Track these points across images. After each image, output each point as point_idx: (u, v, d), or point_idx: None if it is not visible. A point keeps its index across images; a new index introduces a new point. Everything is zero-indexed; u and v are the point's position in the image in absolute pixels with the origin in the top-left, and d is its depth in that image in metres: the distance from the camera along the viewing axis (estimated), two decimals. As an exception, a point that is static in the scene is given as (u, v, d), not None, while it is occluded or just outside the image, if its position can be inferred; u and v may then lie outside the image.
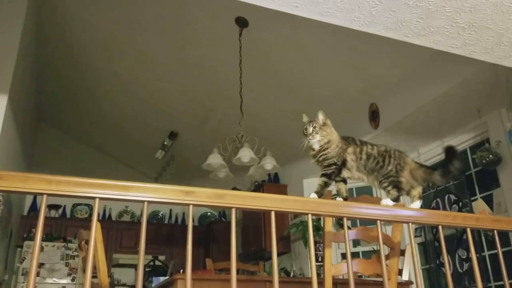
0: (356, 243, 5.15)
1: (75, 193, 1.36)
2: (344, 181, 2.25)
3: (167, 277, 3.02)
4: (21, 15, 3.97)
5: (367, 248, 5.07)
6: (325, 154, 2.17)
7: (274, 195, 1.60)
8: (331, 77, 4.52)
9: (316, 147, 2.20)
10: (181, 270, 3.60)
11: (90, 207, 7.54)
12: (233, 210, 1.52)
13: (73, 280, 6.24)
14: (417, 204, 2.19)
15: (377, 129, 4.54)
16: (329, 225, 2.14)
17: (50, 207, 7.10)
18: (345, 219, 1.68)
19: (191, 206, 1.48)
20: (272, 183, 6.41)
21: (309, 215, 1.61)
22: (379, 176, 2.19)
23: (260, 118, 5.37)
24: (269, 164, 4.11)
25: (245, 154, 3.93)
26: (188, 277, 1.37)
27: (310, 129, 2.20)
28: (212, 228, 7.59)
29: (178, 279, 2.36)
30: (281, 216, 5.65)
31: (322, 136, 2.19)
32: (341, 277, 2.58)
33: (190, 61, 4.92)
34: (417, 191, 2.22)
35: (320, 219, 4.60)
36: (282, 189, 6.26)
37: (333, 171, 2.15)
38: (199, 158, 4.84)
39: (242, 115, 4.16)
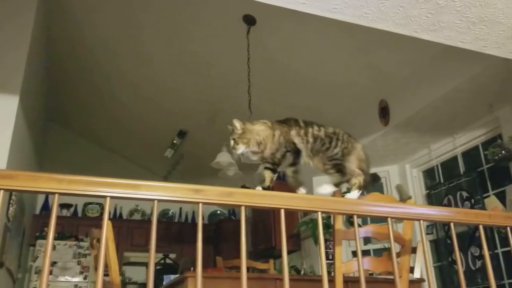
0: (366, 240, 5.13)
1: (86, 192, 1.37)
2: (273, 170, 2.11)
3: (177, 275, 3.04)
4: (30, 17, 4.01)
5: (378, 246, 5.04)
6: (271, 153, 2.08)
7: (283, 193, 1.60)
8: (340, 74, 4.50)
9: (254, 158, 2.12)
10: (192, 268, 3.62)
11: (101, 206, 7.59)
12: (242, 208, 1.52)
13: (85, 278, 6.29)
14: (355, 194, 2.09)
15: (387, 126, 4.51)
16: (339, 223, 2.13)
17: (62, 206, 7.17)
18: (355, 217, 1.67)
19: (200, 204, 1.48)
20: (281, 181, 6.40)
21: (319, 213, 1.61)
22: (324, 158, 2.10)
23: (269, 116, 5.32)
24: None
25: (254, 152, 3.92)
26: (198, 275, 1.38)
27: (231, 142, 2.11)
28: (221, 226, 7.61)
29: (189, 277, 2.37)
30: (291, 214, 5.64)
31: (245, 144, 2.08)
32: (352, 274, 2.57)
33: (198, 60, 4.92)
34: (358, 180, 2.13)
35: (329, 216, 4.59)
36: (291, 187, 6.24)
37: (292, 157, 2.09)
38: (208, 156, 4.85)
39: (250, 113, 4.16)
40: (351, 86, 4.62)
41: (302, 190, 2.09)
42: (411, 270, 2.74)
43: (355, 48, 4.10)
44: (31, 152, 5.25)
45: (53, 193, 1.34)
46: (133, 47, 5.03)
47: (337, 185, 2.03)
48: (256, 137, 2.09)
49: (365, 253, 4.96)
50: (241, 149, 2.08)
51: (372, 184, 2.22)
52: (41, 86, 5.49)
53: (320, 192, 1.98)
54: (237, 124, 2.12)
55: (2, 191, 1.30)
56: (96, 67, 5.73)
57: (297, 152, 2.10)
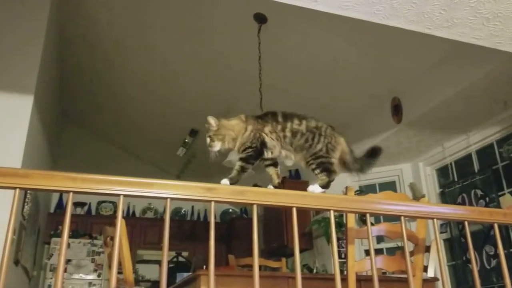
0: (379, 239, 5.10)
1: (100, 190, 1.38)
2: (274, 164, 2.07)
3: (190, 273, 3.05)
4: (44, 18, 4.05)
5: (391, 245, 5.01)
6: (239, 148, 2.03)
7: (295, 191, 1.59)
8: (352, 71, 4.47)
9: (220, 150, 2.07)
10: (204, 266, 3.63)
11: (115, 204, 7.66)
12: (254, 207, 1.52)
13: (99, 276, 6.35)
14: (318, 188, 1.98)
15: (400, 123, 4.48)
16: (351, 222, 2.12)
17: (76, 204, 7.24)
18: (368, 215, 1.67)
19: (213, 202, 1.49)
20: (293, 180, 6.39)
21: (331, 211, 1.60)
22: (307, 156, 1.98)
23: (280, 114, 5.35)
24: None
25: (266, 151, 3.92)
26: (211, 273, 1.38)
27: (208, 140, 2.07)
28: (233, 224, 7.62)
29: (202, 275, 2.38)
30: (303, 212, 5.63)
31: (221, 141, 2.04)
32: (364, 273, 2.56)
33: (209, 58, 4.93)
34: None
35: (342, 215, 4.57)
36: (303, 186, 6.22)
37: (250, 154, 1.98)
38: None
39: (262, 111, 4.15)
40: (364, 83, 4.59)
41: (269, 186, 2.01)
42: (425, 269, 2.72)
43: (367, 45, 4.07)
44: (45, 151, 5.31)
45: (68, 192, 1.36)
46: (145, 46, 5.06)
47: (325, 186, 1.91)
48: (231, 133, 2.04)
49: (378, 251, 4.94)
50: (217, 146, 2.03)
51: (371, 162, 2.06)
52: (55, 85, 5.55)
53: (310, 190, 1.90)
54: (212, 121, 2.07)
55: (17, 189, 1.32)
56: (109, 66, 5.77)
57: (260, 152, 2.00)
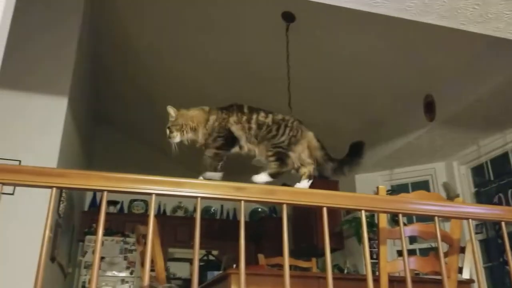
0: (412, 240, 5.01)
1: (133, 189, 1.41)
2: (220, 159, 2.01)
3: (220, 272, 3.07)
4: (77, 21, 4.15)
5: (425, 245, 4.91)
6: (205, 140, 2.00)
7: (325, 191, 1.58)
8: (383, 69, 4.41)
9: (197, 146, 2.03)
10: (234, 265, 3.65)
11: (146, 203, 7.79)
12: (284, 206, 1.52)
13: (131, 273, 6.47)
14: (305, 183, 1.97)
15: (433, 121, 4.39)
16: (383, 222, 2.09)
17: (109, 203, 7.40)
18: (400, 216, 1.64)
19: (242, 202, 1.50)
20: (323, 179, 6.34)
21: (362, 212, 1.58)
22: (268, 145, 1.96)
23: (309, 113, 5.30)
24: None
25: (295, 150, 3.91)
26: (242, 272, 1.39)
27: (167, 131, 2.03)
28: (263, 223, 7.63)
29: (232, 273, 2.39)
30: (333, 211, 5.59)
31: (180, 132, 2.01)
32: (397, 274, 2.52)
33: (237, 57, 4.95)
34: (308, 169, 2.00)
35: (373, 215, 4.51)
36: (333, 185, 6.17)
37: (222, 142, 1.97)
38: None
39: (290, 111, 4.14)
40: (395, 81, 4.52)
41: (215, 175, 1.96)
42: (460, 270, 2.65)
43: (398, 42, 4.00)
44: (79, 151, 5.45)
45: (102, 190, 1.39)
46: (175, 46, 5.12)
47: (274, 175, 1.89)
48: (190, 123, 2.00)
49: (411, 252, 4.85)
50: (177, 137, 2.00)
51: (358, 158, 2.02)
52: (88, 87, 5.68)
53: (255, 180, 1.86)
54: (171, 111, 2.04)
55: (54, 188, 1.36)
56: (140, 67, 5.87)
57: (231, 140, 1.98)
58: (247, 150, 2.01)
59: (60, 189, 1.51)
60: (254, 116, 2.01)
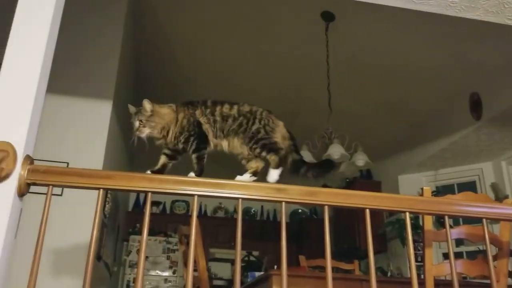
0: (459, 242, 4.85)
1: (176, 190, 1.44)
2: (171, 157, 1.94)
3: (262, 273, 3.08)
4: (120, 27, 4.28)
5: (472, 248, 4.75)
6: (175, 138, 1.91)
7: (367, 193, 1.56)
8: (426, 66, 4.29)
9: (157, 142, 1.94)
10: (275, 266, 3.65)
11: (187, 203, 7.92)
12: (326, 208, 1.51)
13: (174, 273, 6.58)
14: (247, 177, 1.85)
15: (480, 120, 4.23)
16: (428, 224, 2.03)
17: (152, 203, 7.48)
18: (446, 218, 1.59)
19: (283, 203, 1.50)
20: (365, 180, 6.25)
21: (407, 214, 1.55)
22: (247, 141, 1.85)
23: (349, 113, 5.26)
24: (360, 160, 4.01)
25: (335, 151, 3.87)
26: (283, 274, 1.39)
27: (136, 124, 1.90)
28: (303, 225, 7.59)
29: (274, 275, 2.40)
30: (375, 213, 5.48)
31: (151, 128, 1.90)
32: (443, 278, 2.44)
33: (276, 58, 4.95)
34: (256, 165, 1.88)
35: (418, 217, 4.40)
36: (375, 186, 6.07)
37: (196, 142, 1.88)
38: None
39: (330, 111, 4.10)
40: (439, 79, 4.39)
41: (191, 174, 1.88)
42: (510, 274, 2.55)
43: (441, 38, 3.89)
44: (122, 152, 5.60)
45: (146, 192, 1.42)
46: (212, 48, 5.17)
47: (277, 165, 1.80)
48: (162, 121, 1.92)
49: (458, 255, 4.70)
50: (145, 132, 1.90)
51: (325, 172, 1.94)
52: (130, 90, 5.84)
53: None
54: (148, 105, 1.92)
55: (101, 190, 1.40)
56: (180, 70, 5.97)
57: (202, 137, 1.90)
58: (212, 146, 1.95)
59: (106, 190, 1.57)
60: (218, 108, 1.93)
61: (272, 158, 1.82)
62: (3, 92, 1.45)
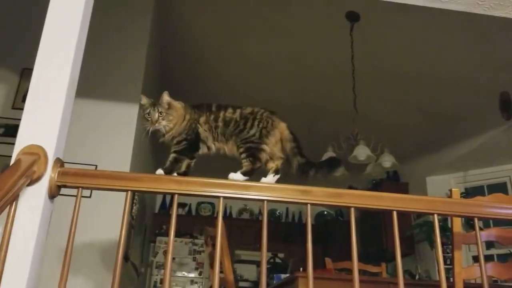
0: (489, 245, 4.73)
1: (202, 192, 1.46)
2: (192, 157, 1.93)
3: (287, 275, 3.07)
4: (146, 32, 4.34)
5: (503, 251, 4.63)
6: (173, 136, 1.90)
7: (394, 194, 1.54)
8: (455, 66, 4.21)
9: (163, 131, 1.90)
10: (301, 268, 3.64)
11: (213, 205, 7.97)
12: (352, 210, 1.49)
13: (200, 274, 6.62)
14: (271, 178, 1.81)
15: (510, 120, 4.12)
16: (457, 226, 1.99)
17: (178, 205, 7.58)
18: (476, 220, 1.56)
19: (308, 205, 1.49)
20: (391, 181, 6.16)
21: (435, 216, 1.52)
22: (238, 141, 1.84)
23: (375, 114, 5.20)
24: (387, 161, 3.96)
25: (361, 152, 3.83)
26: (309, 276, 1.38)
27: (156, 115, 1.87)
28: (329, 227, 7.54)
29: (300, 277, 2.39)
30: (403, 215, 5.40)
31: (168, 121, 1.87)
32: (473, 281, 2.39)
33: (300, 60, 4.93)
34: (276, 163, 1.85)
35: (446, 219, 4.31)
36: (402, 188, 5.98)
37: (184, 147, 1.87)
38: (312, 157, 4.84)
39: (356, 112, 4.07)
40: (468, 78, 4.30)
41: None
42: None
43: (470, 38, 3.81)
44: (149, 155, 5.68)
45: (173, 193, 1.44)
46: (239, 52, 5.19)
47: (247, 173, 1.77)
48: (176, 116, 1.91)
49: (488, 258, 4.58)
50: (162, 125, 1.87)
51: (333, 170, 1.92)
52: (155, 92, 5.91)
53: (231, 177, 1.75)
54: (168, 98, 1.92)
55: (129, 191, 1.43)
56: (206, 72, 6.02)
57: (193, 146, 1.90)
58: (215, 149, 1.94)
59: (134, 192, 1.59)
60: (221, 114, 1.92)
61: (247, 163, 1.80)
62: (34, 97, 1.49)
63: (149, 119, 1.87)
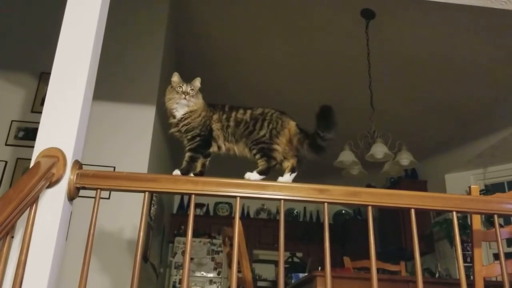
0: (510, 242, 4.65)
1: (219, 192, 1.46)
2: (207, 155, 1.93)
3: (306, 274, 3.06)
4: (161, 36, 4.38)
5: (525, 249, 4.54)
6: (186, 125, 1.88)
7: (412, 192, 1.52)
8: (473, 60, 4.15)
9: (180, 113, 1.89)
10: (319, 268, 3.62)
11: (230, 205, 7.99)
12: (370, 208, 1.48)
13: (218, 274, 6.65)
14: (288, 177, 1.80)
15: (530, 115, 4.05)
16: (477, 223, 1.96)
17: (196, 205, 7.55)
18: (495, 217, 1.53)
19: (326, 204, 1.49)
20: (410, 179, 6.10)
21: (454, 213, 1.50)
22: (249, 142, 1.84)
23: (392, 112, 5.15)
24: (405, 159, 3.92)
25: (379, 150, 3.80)
26: (328, 275, 1.38)
27: (188, 89, 1.88)
28: (347, 226, 7.49)
29: (318, 276, 2.38)
30: (422, 213, 5.35)
31: (193, 104, 1.88)
32: (494, 279, 2.35)
33: (316, 58, 4.92)
34: (291, 162, 1.84)
35: (466, 216, 4.25)
36: (421, 185, 5.91)
37: (198, 144, 1.86)
38: (330, 155, 4.81)
39: (373, 110, 4.03)
40: (487, 74, 4.23)
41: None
42: None
43: (488, 31, 3.75)
44: (166, 157, 5.72)
45: (190, 194, 1.45)
46: (255, 52, 5.19)
47: (263, 172, 1.76)
48: (199, 106, 1.92)
49: (509, 255, 4.50)
50: (189, 101, 1.89)
51: (324, 127, 1.83)
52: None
53: (247, 177, 1.74)
54: (198, 84, 1.94)
55: (147, 192, 1.44)
56: (222, 74, 6.04)
57: (206, 142, 1.89)
58: (225, 149, 1.94)
59: (152, 193, 1.61)
60: (233, 114, 1.92)
61: (262, 163, 1.80)
62: (52, 100, 1.52)
63: (180, 91, 1.90)
